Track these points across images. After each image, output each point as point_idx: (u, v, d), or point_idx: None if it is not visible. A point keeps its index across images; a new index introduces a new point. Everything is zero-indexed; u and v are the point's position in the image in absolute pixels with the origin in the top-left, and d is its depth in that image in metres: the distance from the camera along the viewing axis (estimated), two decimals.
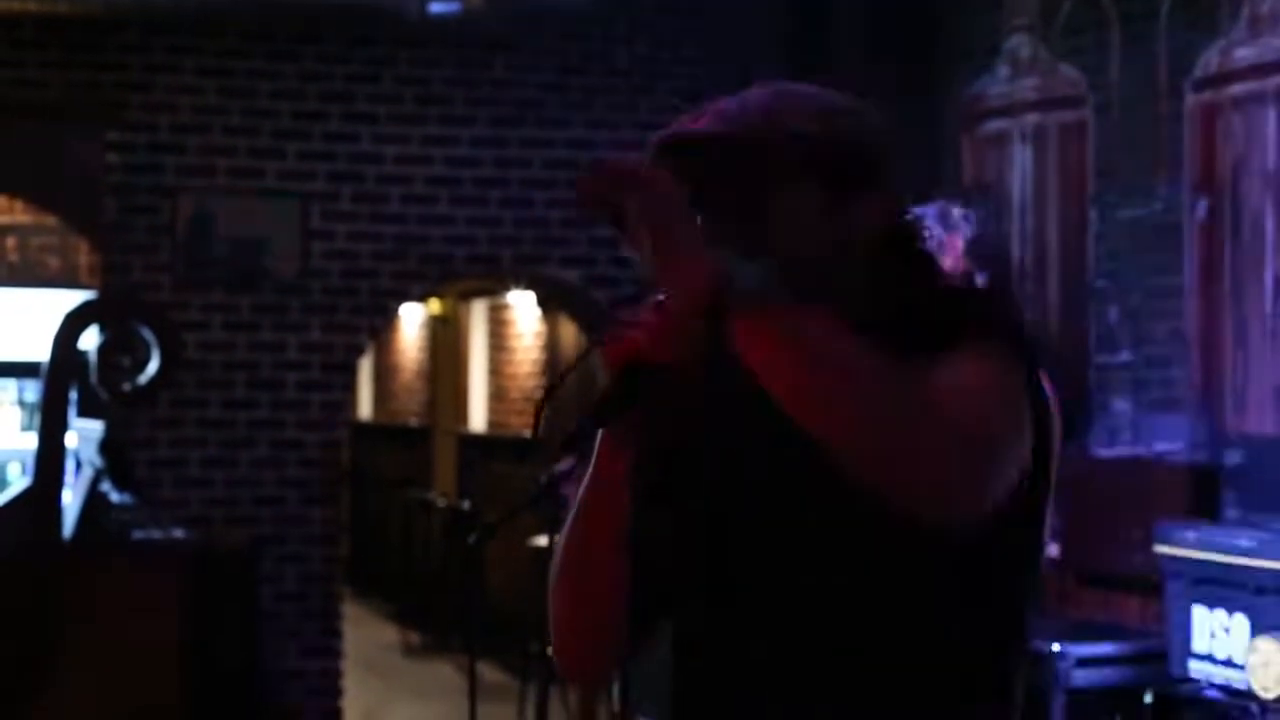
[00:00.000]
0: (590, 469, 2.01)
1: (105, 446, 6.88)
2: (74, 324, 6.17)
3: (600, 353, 1.87)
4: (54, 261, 9.84)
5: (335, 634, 8.70)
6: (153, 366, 6.63)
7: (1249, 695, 5.20)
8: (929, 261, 2.01)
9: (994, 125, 7.49)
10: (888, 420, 1.74)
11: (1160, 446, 6.47)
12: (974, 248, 4.13)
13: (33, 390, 8.81)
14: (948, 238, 4.12)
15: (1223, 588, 5.34)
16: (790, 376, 1.77)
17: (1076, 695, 5.57)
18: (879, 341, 1.85)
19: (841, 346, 1.76)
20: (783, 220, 1.93)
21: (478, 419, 13.26)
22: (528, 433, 11.83)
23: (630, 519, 1.94)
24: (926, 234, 2.03)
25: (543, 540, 8.77)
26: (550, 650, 2.13)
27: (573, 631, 2.07)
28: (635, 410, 1.86)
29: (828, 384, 1.75)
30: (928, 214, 4.25)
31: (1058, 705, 5.54)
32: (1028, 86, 7.29)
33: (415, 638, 12.09)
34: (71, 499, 6.55)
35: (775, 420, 1.78)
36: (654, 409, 1.85)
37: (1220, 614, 5.34)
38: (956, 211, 4.22)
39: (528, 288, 10.98)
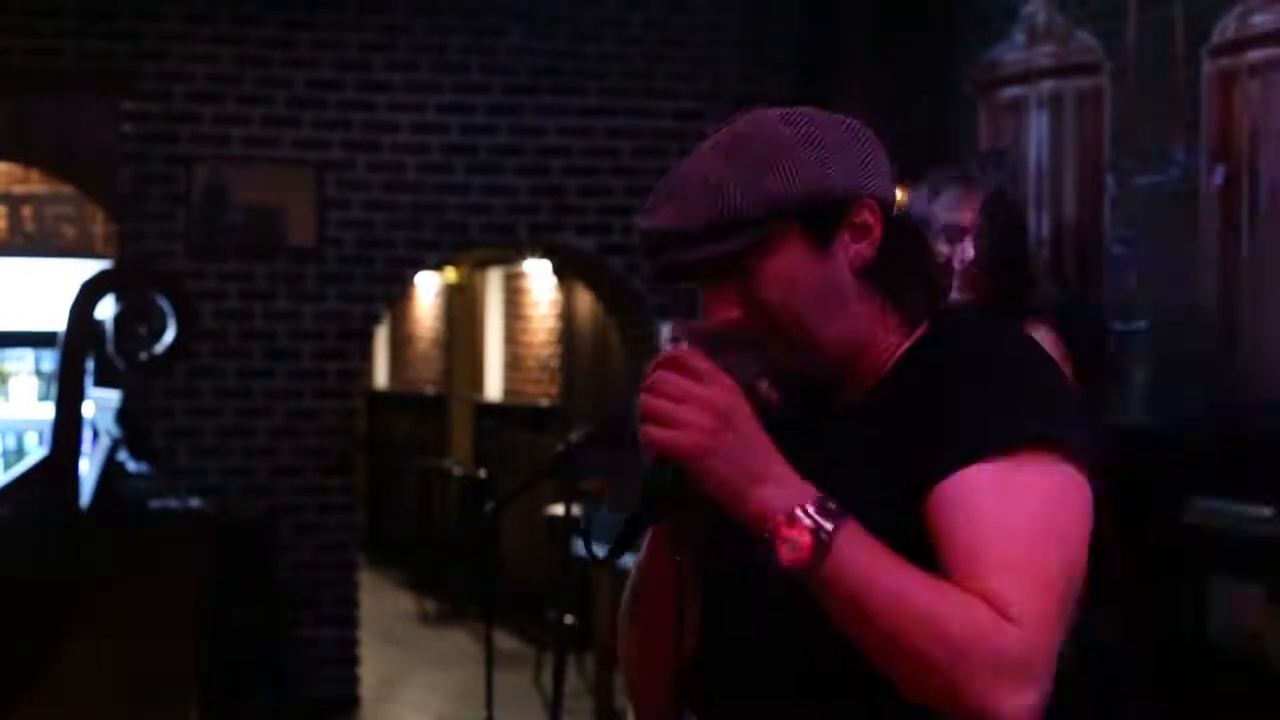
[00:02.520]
0: (641, 560, 2.01)
1: (122, 416, 6.88)
2: (90, 293, 6.17)
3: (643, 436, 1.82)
4: (70, 231, 9.85)
5: (352, 603, 8.72)
6: (169, 336, 6.64)
7: (1270, 666, 5.20)
8: (928, 269, 1.97)
9: (1010, 92, 7.46)
10: (931, 670, 1.72)
11: (1177, 415, 6.45)
12: (990, 204, 4.13)
13: (49, 360, 8.83)
14: (964, 194, 4.12)
15: (1243, 558, 5.33)
16: (848, 626, 1.77)
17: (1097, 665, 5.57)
18: (892, 407, 1.86)
19: (893, 598, 1.74)
20: (775, 284, 1.89)
21: (494, 388, 13.26)
22: (544, 401, 11.83)
23: (689, 614, 1.95)
24: (913, 227, 1.99)
25: (558, 509, 8.79)
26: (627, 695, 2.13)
27: (643, 688, 2.08)
28: (684, 510, 1.83)
29: (876, 639, 1.75)
30: (939, 176, 4.23)
31: (1079, 676, 5.53)
32: (1044, 53, 7.26)
33: (432, 606, 12.11)
34: (88, 468, 6.56)
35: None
36: (703, 505, 1.81)
37: (1241, 584, 5.33)
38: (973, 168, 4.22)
39: (543, 256, 10.97)
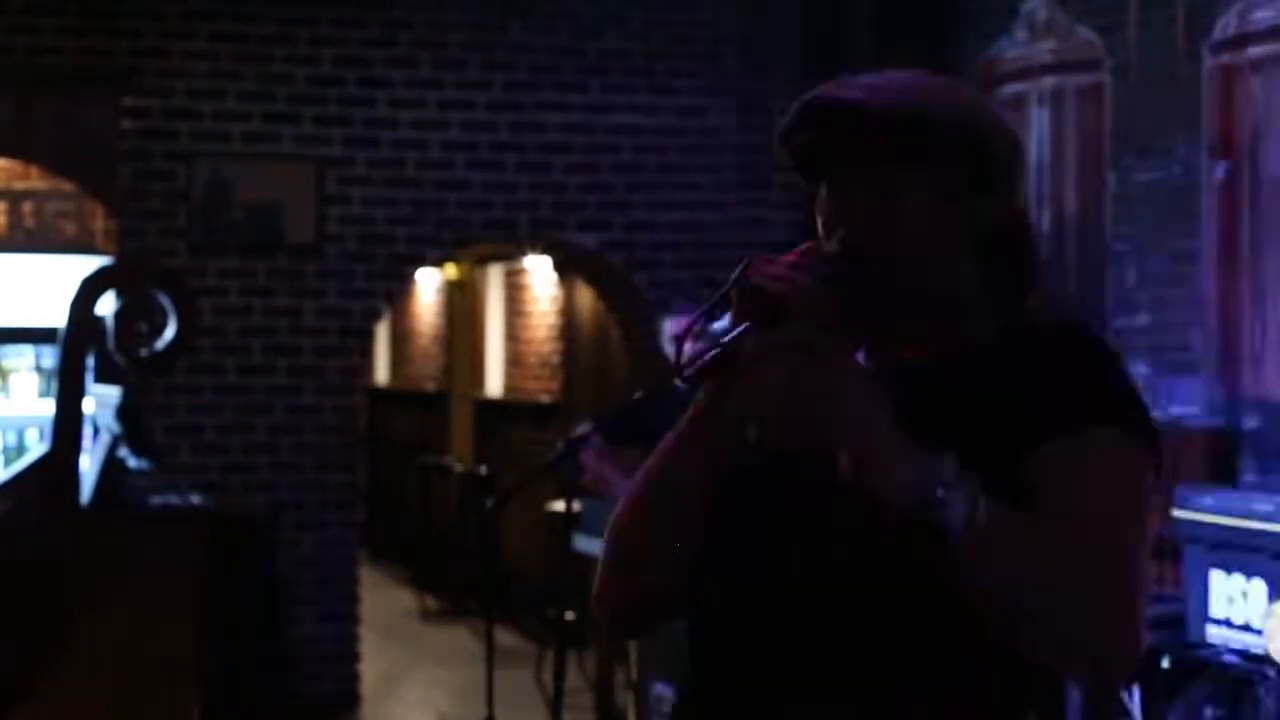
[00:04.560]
0: (691, 409, 2.00)
1: (122, 412, 6.88)
2: (90, 290, 6.17)
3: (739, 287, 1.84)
4: (70, 227, 9.84)
5: (352, 599, 8.72)
6: (169, 332, 6.64)
7: (1267, 660, 5.19)
8: (1034, 265, 2.01)
9: (1011, 88, 7.46)
10: (1039, 596, 1.75)
11: (1178, 410, 6.45)
12: None
13: (49, 356, 8.82)
14: None
15: (1240, 552, 5.32)
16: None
17: None
18: (981, 374, 1.89)
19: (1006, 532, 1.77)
20: (912, 201, 1.91)
21: (494, 384, 13.25)
22: (545, 398, 11.82)
23: (718, 464, 1.96)
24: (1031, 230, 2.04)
25: (559, 505, 8.80)
26: (596, 593, 2.08)
27: (631, 571, 2.04)
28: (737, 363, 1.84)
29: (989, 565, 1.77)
30: None
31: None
32: (1045, 49, 7.26)
33: (432, 603, 12.11)
34: (89, 465, 6.56)
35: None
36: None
37: (1238, 578, 5.33)
38: None
39: (544, 252, 10.96)
